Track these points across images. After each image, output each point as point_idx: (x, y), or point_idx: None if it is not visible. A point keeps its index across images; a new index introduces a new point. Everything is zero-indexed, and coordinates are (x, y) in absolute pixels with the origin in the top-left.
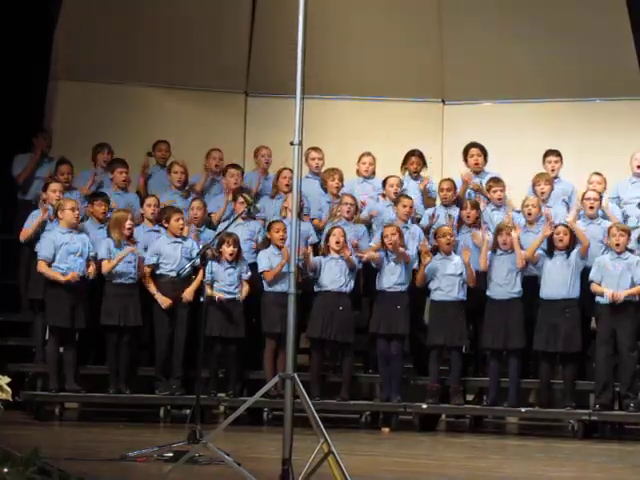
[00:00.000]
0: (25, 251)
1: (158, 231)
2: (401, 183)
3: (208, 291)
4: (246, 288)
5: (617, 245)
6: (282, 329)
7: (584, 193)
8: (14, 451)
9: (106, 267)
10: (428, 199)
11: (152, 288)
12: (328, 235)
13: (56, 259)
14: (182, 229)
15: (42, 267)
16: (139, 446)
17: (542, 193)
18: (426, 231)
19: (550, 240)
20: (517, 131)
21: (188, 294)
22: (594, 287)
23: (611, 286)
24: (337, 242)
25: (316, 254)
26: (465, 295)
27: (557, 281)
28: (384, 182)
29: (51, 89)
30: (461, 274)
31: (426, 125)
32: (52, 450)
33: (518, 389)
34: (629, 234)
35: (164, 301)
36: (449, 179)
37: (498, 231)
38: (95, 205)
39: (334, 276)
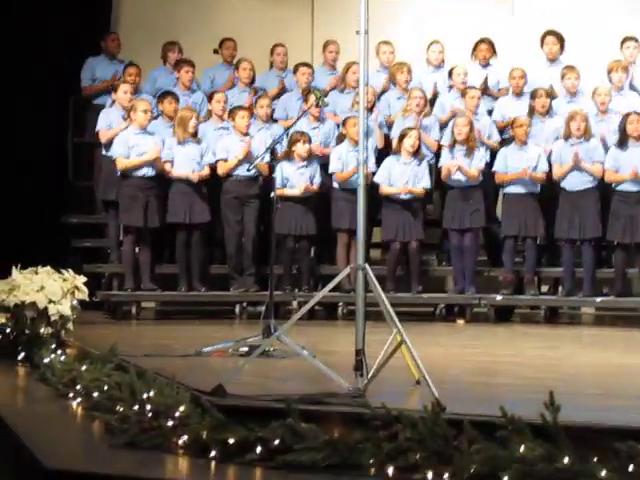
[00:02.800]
0: (98, 152)
1: (227, 128)
2: (467, 73)
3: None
4: (314, 187)
5: None
6: (352, 224)
7: None
8: (92, 349)
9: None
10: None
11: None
12: (402, 136)
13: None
14: (248, 126)
15: (121, 162)
16: (215, 343)
17: (619, 81)
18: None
19: (623, 130)
20: (590, 18)
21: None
22: None
23: None
24: (412, 145)
25: (386, 154)
26: (538, 187)
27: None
28: (450, 72)
29: None
30: (535, 167)
31: (497, 12)
32: (129, 348)
33: (593, 279)
34: None
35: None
36: (520, 68)
37: (571, 118)
38: (165, 103)
39: (405, 179)
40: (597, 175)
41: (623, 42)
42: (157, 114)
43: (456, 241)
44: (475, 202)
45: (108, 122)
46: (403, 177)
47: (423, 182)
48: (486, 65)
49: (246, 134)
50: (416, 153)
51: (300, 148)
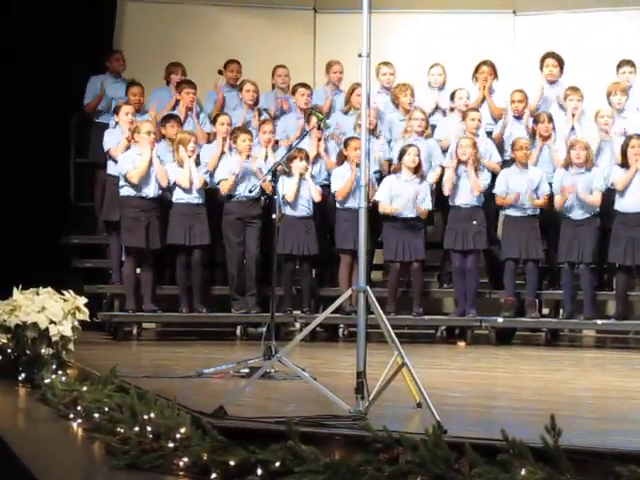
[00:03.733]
0: (100, 173)
1: (231, 149)
2: (469, 96)
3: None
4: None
5: None
6: (355, 245)
7: None
8: (93, 370)
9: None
10: (495, 108)
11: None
12: (402, 153)
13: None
14: (249, 149)
15: (132, 177)
16: (216, 364)
17: (618, 103)
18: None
19: (624, 153)
20: (591, 41)
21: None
22: None
23: None
24: (413, 161)
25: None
26: (538, 209)
27: (636, 194)
28: (452, 95)
29: (119, 10)
30: (536, 189)
31: (498, 37)
32: (130, 369)
33: (593, 301)
34: None
35: None
36: (521, 90)
37: (571, 146)
38: (167, 127)
39: (406, 201)
40: (595, 205)
41: (619, 66)
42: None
43: (458, 263)
44: (478, 223)
45: (115, 141)
46: (405, 195)
47: (425, 204)
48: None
49: (248, 156)
50: (417, 171)
51: (298, 165)
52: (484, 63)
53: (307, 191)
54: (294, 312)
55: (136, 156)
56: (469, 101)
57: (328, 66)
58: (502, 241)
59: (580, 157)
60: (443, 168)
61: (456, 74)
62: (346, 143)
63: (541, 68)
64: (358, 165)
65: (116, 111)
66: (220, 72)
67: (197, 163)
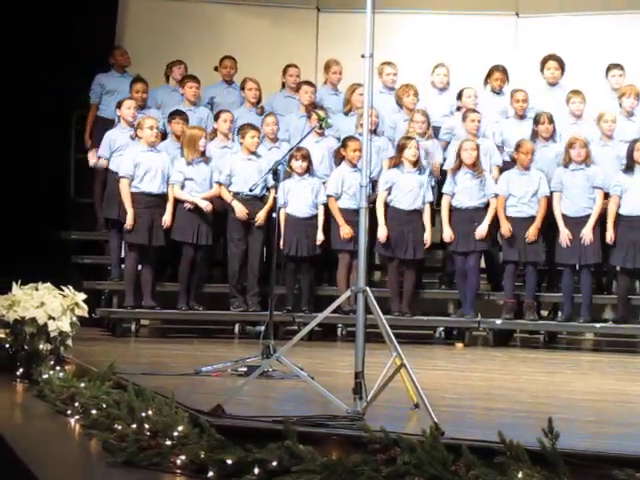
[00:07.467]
0: (101, 169)
1: (231, 148)
2: (477, 95)
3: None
4: (321, 210)
5: None
6: (352, 245)
7: None
8: (91, 366)
9: (176, 194)
10: None
11: (227, 196)
12: (402, 147)
13: (135, 178)
14: (256, 146)
15: (124, 186)
16: (213, 362)
17: (630, 106)
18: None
19: (630, 156)
20: (593, 44)
21: (261, 219)
22: None
23: None
24: (414, 155)
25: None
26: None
27: (639, 197)
28: (459, 94)
29: (122, 6)
30: (536, 191)
31: (500, 39)
32: (127, 365)
33: (591, 305)
34: None
35: (240, 211)
36: (522, 90)
37: (570, 145)
38: (173, 123)
39: (409, 194)
40: (600, 205)
41: (608, 70)
42: (163, 130)
43: (460, 264)
44: (480, 224)
45: (119, 137)
46: (407, 188)
47: (427, 196)
48: (499, 93)
49: (253, 153)
50: (416, 164)
51: (296, 164)
52: (496, 69)
53: (309, 191)
54: (294, 311)
55: (140, 154)
56: (477, 100)
57: (327, 66)
58: (502, 243)
59: (581, 155)
60: (439, 167)
61: (458, 75)
62: (345, 143)
63: (542, 70)
64: (355, 166)
65: (118, 106)
66: (216, 69)
67: (206, 160)
